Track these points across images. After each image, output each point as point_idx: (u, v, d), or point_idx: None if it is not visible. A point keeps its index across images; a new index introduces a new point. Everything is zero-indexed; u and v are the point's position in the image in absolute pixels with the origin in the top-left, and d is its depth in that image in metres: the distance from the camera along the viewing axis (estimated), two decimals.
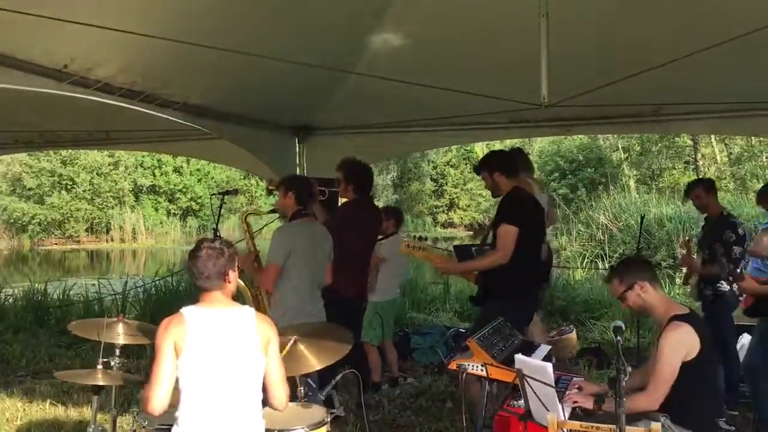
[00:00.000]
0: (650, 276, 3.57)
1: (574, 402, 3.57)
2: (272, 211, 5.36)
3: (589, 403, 3.52)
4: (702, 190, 5.74)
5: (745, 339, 5.90)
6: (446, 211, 34.40)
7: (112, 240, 28.62)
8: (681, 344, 3.34)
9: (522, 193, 4.95)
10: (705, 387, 3.45)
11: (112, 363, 3.73)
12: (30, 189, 27.79)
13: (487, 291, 4.75)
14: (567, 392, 3.69)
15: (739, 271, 4.81)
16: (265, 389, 3.14)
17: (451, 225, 33.95)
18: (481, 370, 3.71)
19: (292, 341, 3.64)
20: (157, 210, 30.38)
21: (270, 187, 5.89)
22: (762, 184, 6.21)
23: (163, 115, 5.33)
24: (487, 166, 4.97)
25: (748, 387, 5.23)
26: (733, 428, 5.11)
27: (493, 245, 4.75)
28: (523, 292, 4.73)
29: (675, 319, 3.42)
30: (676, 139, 21.96)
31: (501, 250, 4.61)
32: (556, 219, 7.82)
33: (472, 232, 5.92)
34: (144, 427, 3.38)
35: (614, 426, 2.63)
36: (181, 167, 30.70)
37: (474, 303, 5.17)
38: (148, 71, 4.71)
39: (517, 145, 12.33)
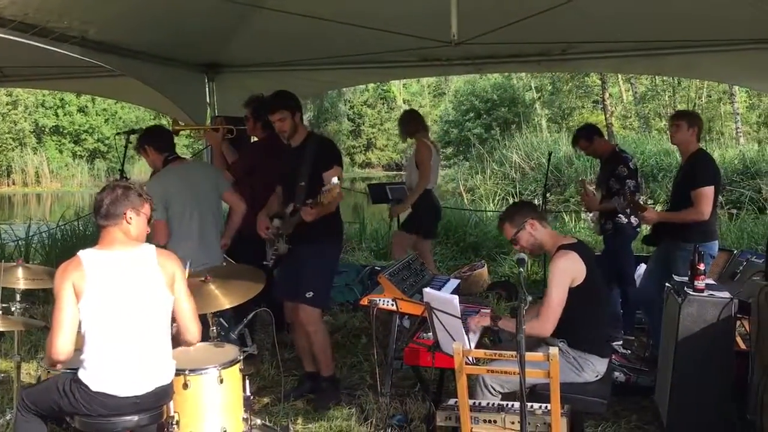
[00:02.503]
0: (538, 215, 3.73)
1: (476, 322, 3.71)
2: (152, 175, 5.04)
3: (486, 320, 3.69)
4: (584, 140, 5.90)
5: (643, 269, 6.22)
6: (364, 152, 34.39)
7: (13, 183, 27.24)
8: (566, 271, 3.51)
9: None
10: (595, 311, 3.64)
11: (13, 308, 3.62)
12: None
13: (303, 233, 4.52)
14: (468, 318, 3.83)
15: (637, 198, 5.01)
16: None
17: (369, 165, 34.05)
18: (392, 305, 3.81)
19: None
20: (61, 152, 29.01)
21: (176, 128, 5.72)
22: (665, 119, 6.44)
23: (61, 51, 5.03)
24: (290, 106, 4.53)
25: (642, 312, 5.55)
26: (629, 351, 5.45)
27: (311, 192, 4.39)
28: (337, 231, 4.75)
29: (561, 248, 3.59)
30: (586, 78, 22.54)
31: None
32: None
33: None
34: (49, 372, 3.32)
35: (515, 353, 2.76)
36: (86, 107, 29.30)
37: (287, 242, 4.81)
38: (42, 3, 4.42)
39: (433, 85, 12.28)
